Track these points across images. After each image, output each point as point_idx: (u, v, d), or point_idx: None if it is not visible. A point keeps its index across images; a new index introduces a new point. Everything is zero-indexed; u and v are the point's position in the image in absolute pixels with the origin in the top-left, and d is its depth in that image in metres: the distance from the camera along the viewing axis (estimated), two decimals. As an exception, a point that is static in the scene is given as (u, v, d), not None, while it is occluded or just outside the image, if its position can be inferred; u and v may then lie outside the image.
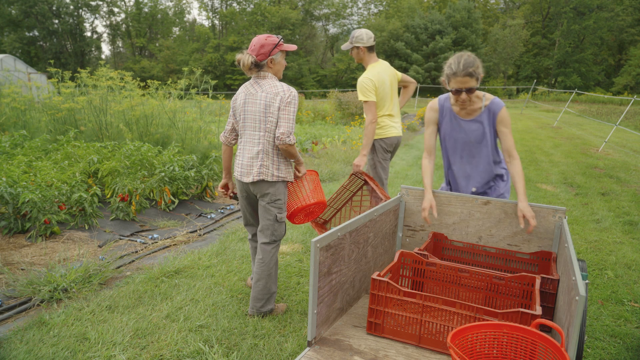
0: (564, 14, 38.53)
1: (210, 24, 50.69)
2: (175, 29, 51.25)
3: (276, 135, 2.62)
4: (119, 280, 3.31)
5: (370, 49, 3.67)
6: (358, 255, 2.22)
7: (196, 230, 4.46)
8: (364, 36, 3.61)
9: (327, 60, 49.86)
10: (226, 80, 41.73)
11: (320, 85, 42.60)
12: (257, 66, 2.67)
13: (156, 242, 4.11)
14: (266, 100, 2.63)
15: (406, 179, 7.09)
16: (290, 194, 2.93)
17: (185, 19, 51.98)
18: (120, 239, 4.18)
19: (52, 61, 8.99)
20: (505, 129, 2.50)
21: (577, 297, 1.36)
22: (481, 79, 2.37)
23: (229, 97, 27.09)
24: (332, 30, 50.67)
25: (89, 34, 47.05)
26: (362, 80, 3.55)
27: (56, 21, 42.96)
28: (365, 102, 3.54)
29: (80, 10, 45.03)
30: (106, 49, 51.42)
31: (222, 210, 5.25)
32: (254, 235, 3.04)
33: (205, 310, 2.85)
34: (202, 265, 3.54)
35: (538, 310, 1.62)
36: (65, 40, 43.70)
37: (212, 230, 4.54)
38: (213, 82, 7.14)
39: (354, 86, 37.71)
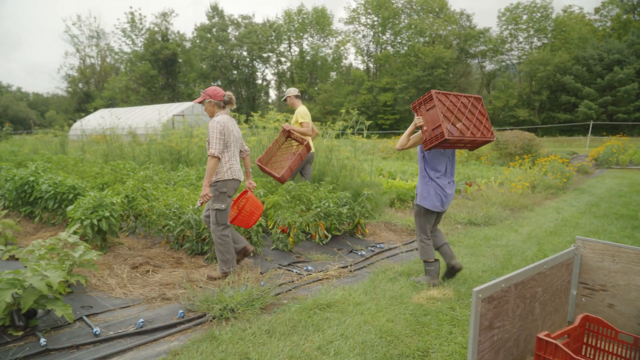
0: None
1: (365, 67, 53.20)
2: (333, 74, 55.06)
3: (245, 149, 4.40)
4: (276, 307, 3.55)
5: (297, 96, 6.11)
6: (524, 312, 2.01)
7: (347, 266, 4.58)
8: (293, 90, 6.12)
9: (482, 98, 47.77)
10: (378, 120, 42.91)
11: (474, 124, 40.83)
12: (230, 104, 4.16)
13: (310, 274, 4.32)
14: (239, 130, 4.27)
15: (577, 229, 6.26)
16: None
17: (342, 63, 55.58)
18: (279, 267, 4.52)
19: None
20: None
21: None
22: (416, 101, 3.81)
23: (381, 136, 27.74)
24: (489, 66, 48.67)
25: (259, 81, 53.52)
26: (302, 109, 6.04)
27: (235, 72, 49.98)
28: (303, 122, 5.94)
29: (254, 62, 51.63)
30: (273, 94, 57.61)
31: (372, 248, 5.30)
32: None
33: (354, 347, 2.87)
34: (352, 302, 3.60)
35: None
36: (240, 87, 50.40)
37: (362, 267, 4.61)
38: (368, 123, 7.42)
39: (512, 124, 35.14)
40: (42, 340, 2.86)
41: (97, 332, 3.01)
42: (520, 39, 46.24)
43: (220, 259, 4.12)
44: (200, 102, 4.16)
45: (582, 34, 40.26)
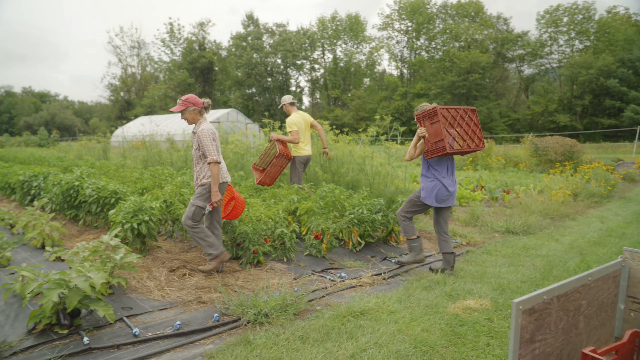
0: None
1: (398, 73, 52.81)
2: (366, 80, 54.90)
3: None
4: (310, 313, 3.56)
5: (291, 104, 6.52)
6: (567, 325, 1.93)
7: (381, 274, 4.54)
8: (287, 98, 6.53)
9: (520, 103, 46.48)
10: (412, 126, 42.34)
11: (512, 130, 39.79)
12: (207, 110, 4.39)
13: (343, 281, 4.31)
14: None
15: (624, 239, 5.97)
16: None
17: (375, 70, 55.36)
18: (312, 274, 4.52)
19: (266, 113, 10.56)
20: None
21: None
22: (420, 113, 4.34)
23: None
24: (527, 71, 47.27)
25: (293, 88, 53.98)
26: (290, 118, 6.35)
27: (269, 79, 50.63)
28: (291, 131, 6.26)
29: (288, 69, 52.20)
30: (306, 100, 57.88)
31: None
32: None
33: (388, 356, 2.83)
34: (386, 310, 3.56)
35: None
36: (275, 94, 50.99)
37: (396, 275, 4.55)
38: (402, 129, 7.36)
39: (552, 130, 33.92)
40: (85, 339, 2.98)
41: (136, 333, 3.10)
42: (561, 42, 44.76)
43: (204, 246, 4.26)
44: (179, 111, 4.23)
45: (628, 35, 38.55)
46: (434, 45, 49.65)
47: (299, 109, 51.51)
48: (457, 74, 41.98)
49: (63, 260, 4.69)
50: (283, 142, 6.33)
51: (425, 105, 4.45)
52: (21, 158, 14.05)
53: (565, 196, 8.62)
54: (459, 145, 4.25)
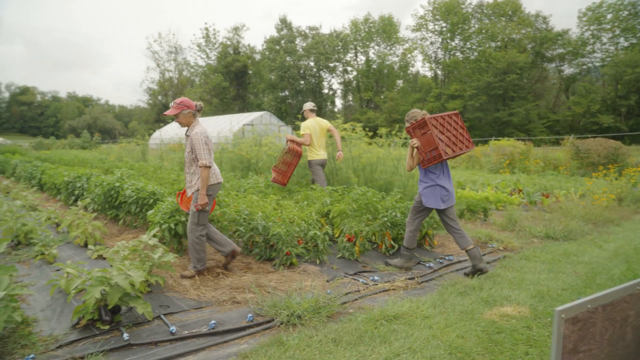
0: None
1: (432, 75, 52.06)
2: (399, 82, 54.38)
3: None
4: (342, 315, 3.55)
5: (311, 110, 6.94)
6: (613, 336, 1.84)
7: (414, 278, 4.48)
8: (308, 105, 7.00)
9: (560, 104, 44.88)
10: (445, 127, 41.66)
11: (551, 132, 38.46)
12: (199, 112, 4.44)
13: (376, 285, 4.28)
14: None
15: (673, 246, 5.66)
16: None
17: (408, 71, 54.76)
18: (345, 276, 4.51)
19: (299, 116, 10.63)
20: None
21: None
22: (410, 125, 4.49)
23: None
24: (568, 70, 45.58)
25: (325, 90, 54.14)
26: (304, 122, 6.79)
27: (302, 82, 50.98)
28: (304, 133, 6.66)
29: (321, 72, 52.39)
30: (339, 103, 57.93)
31: (440, 260, 5.14)
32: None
33: (422, 362, 2.79)
34: (420, 315, 3.50)
35: None
36: (307, 97, 51.27)
37: (430, 280, 4.48)
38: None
39: (594, 131, 32.65)
40: (125, 335, 3.08)
41: (173, 331, 3.18)
42: (604, 40, 42.90)
43: (195, 258, 4.36)
44: (174, 114, 4.22)
45: (678, 32, 36.61)
46: (469, 46, 48.68)
47: (332, 112, 51.25)
48: (493, 75, 40.96)
49: (104, 259, 4.87)
50: (296, 143, 6.65)
51: (416, 112, 4.63)
52: (66, 160, 14.70)
53: (609, 201, 8.26)
54: (452, 150, 4.42)
